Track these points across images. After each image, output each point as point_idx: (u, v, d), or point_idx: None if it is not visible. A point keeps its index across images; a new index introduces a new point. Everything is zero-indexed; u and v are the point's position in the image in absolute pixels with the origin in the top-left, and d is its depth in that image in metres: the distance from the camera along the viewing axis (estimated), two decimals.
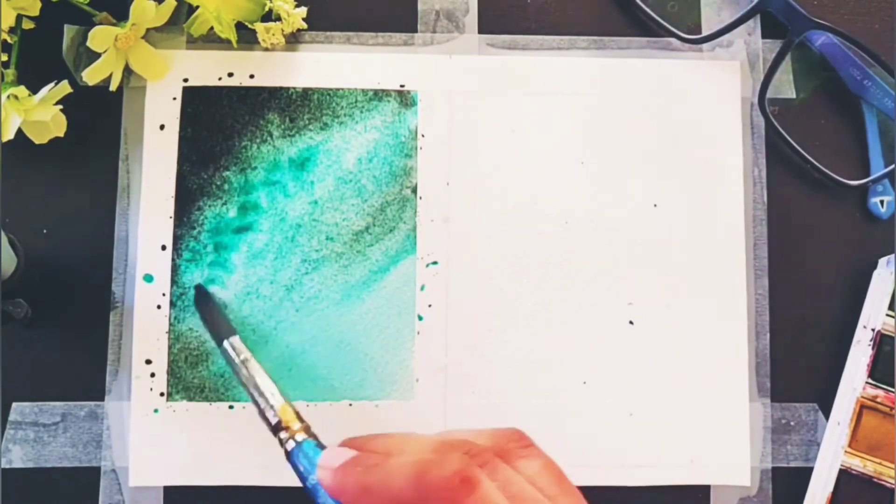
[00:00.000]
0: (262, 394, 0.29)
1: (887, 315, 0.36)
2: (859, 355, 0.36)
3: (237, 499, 0.35)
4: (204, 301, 0.35)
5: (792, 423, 0.37)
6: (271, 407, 0.28)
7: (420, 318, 0.36)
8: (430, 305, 0.36)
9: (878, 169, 0.38)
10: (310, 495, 0.25)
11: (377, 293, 0.37)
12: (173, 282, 0.36)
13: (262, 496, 0.35)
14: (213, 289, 0.36)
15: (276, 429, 0.28)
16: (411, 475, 0.22)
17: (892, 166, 0.38)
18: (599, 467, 0.36)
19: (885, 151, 0.39)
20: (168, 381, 0.36)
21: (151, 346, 0.36)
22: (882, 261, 0.37)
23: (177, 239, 0.36)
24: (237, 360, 0.31)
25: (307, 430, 0.28)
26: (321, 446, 0.26)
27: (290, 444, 0.27)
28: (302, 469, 0.26)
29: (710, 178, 0.38)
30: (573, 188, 0.38)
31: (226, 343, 0.32)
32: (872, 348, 0.36)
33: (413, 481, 0.22)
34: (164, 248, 0.36)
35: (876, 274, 0.37)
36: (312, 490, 0.25)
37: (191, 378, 0.36)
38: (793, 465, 0.36)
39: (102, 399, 0.36)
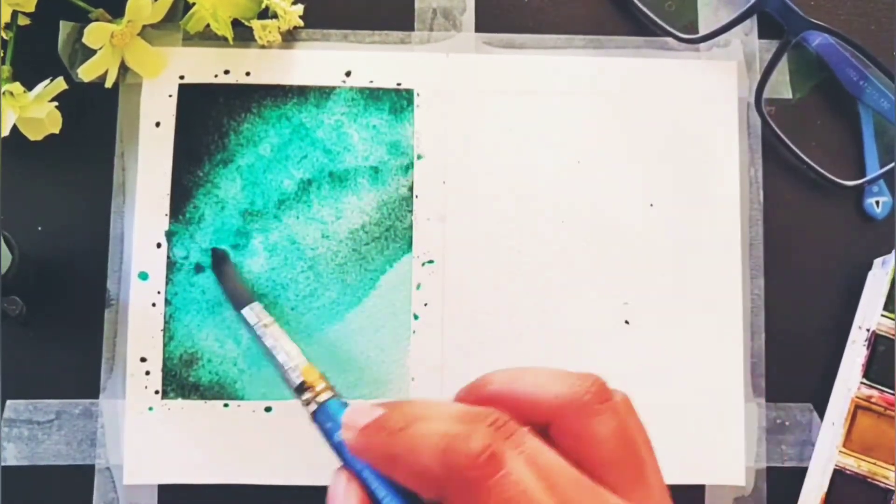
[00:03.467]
0: (284, 356, 0.29)
1: (882, 315, 0.36)
2: (854, 355, 0.36)
3: (232, 497, 0.35)
4: (222, 266, 0.35)
5: (787, 423, 0.37)
6: (294, 368, 0.28)
7: (416, 317, 0.36)
8: (426, 304, 0.36)
9: (873, 170, 0.38)
10: (335, 451, 0.25)
11: (373, 292, 0.37)
12: (168, 280, 0.36)
13: (257, 495, 0.35)
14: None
15: (299, 390, 0.27)
16: (437, 449, 0.20)
17: (887, 167, 0.38)
18: None
19: (880, 152, 0.39)
20: (163, 379, 0.36)
21: (146, 343, 0.36)
22: (877, 261, 0.37)
23: (172, 237, 0.36)
24: (258, 326, 0.31)
25: (331, 389, 0.27)
26: (345, 405, 0.26)
27: (313, 406, 0.26)
28: (327, 427, 0.25)
29: (707, 178, 0.38)
30: (570, 187, 0.38)
31: (245, 310, 0.32)
32: (867, 349, 0.36)
33: (439, 457, 0.20)
34: (159, 245, 0.36)
35: (871, 274, 0.37)
36: (338, 446, 0.24)
37: (185, 376, 0.36)
38: (787, 465, 0.36)
39: (97, 397, 0.35)
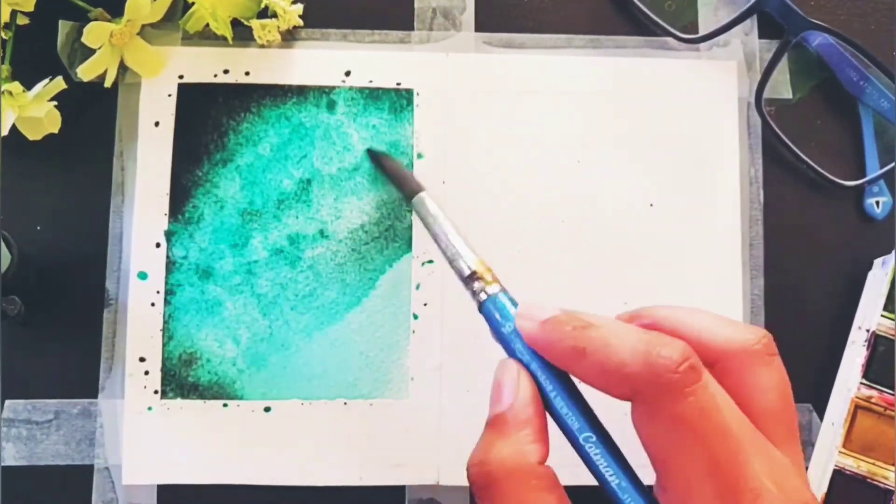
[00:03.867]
0: (452, 247, 0.29)
1: (882, 316, 0.36)
2: (854, 356, 0.36)
3: (231, 497, 0.35)
4: (385, 161, 0.36)
5: None
6: (464, 257, 0.28)
7: (415, 316, 0.36)
8: (425, 304, 0.36)
9: (873, 170, 0.38)
10: (504, 342, 0.25)
11: (373, 292, 0.36)
12: (167, 279, 0.36)
13: (255, 495, 0.35)
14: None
15: (469, 279, 0.28)
16: (639, 347, 0.20)
17: (887, 167, 0.38)
18: None
19: (880, 152, 0.39)
20: (162, 378, 0.35)
21: (145, 343, 0.36)
22: (877, 261, 0.37)
23: (171, 236, 0.36)
24: (428, 215, 0.31)
25: (500, 283, 0.27)
26: (514, 301, 0.26)
27: (483, 296, 0.27)
28: (496, 319, 0.26)
29: (707, 177, 0.38)
30: (570, 187, 0.38)
31: (416, 199, 0.32)
32: (867, 349, 0.36)
33: (641, 354, 0.20)
34: (158, 245, 0.36)
35: (871, 275, 0.37)
36: (507, 337, 0.25)
37: (185, 376, 0.36)
38: None
39: (96, 396, 0.35)
